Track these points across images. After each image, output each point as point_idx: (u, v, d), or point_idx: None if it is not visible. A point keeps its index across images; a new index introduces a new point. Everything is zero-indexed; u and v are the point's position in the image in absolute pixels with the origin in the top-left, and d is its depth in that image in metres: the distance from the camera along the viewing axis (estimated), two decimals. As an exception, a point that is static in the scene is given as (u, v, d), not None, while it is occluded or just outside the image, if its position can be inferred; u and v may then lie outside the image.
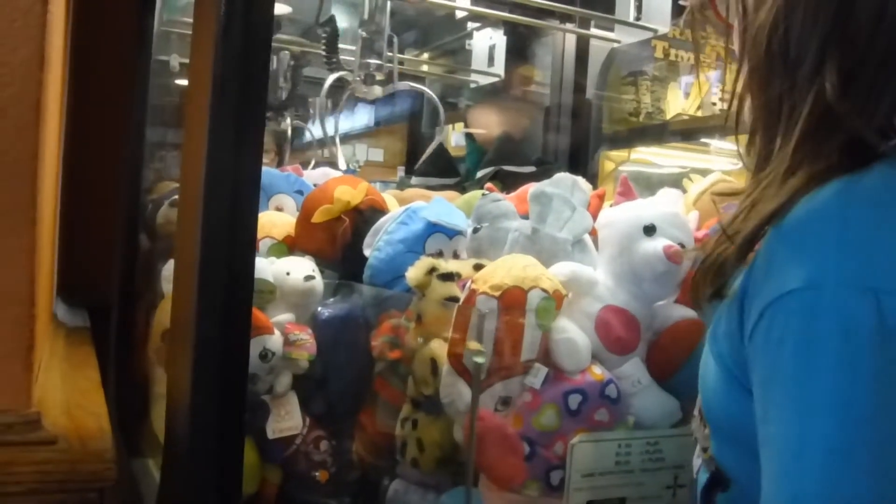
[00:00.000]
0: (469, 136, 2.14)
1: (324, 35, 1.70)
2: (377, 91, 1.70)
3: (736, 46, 0.73)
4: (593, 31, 2.04)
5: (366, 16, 1.68)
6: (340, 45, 1.71)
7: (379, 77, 1.69)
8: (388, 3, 1.66)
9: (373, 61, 1.69)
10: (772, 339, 0.58)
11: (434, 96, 1.78)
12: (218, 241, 0.86)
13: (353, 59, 1.73)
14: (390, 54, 1.70)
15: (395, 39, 1.69)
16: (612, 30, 2.00)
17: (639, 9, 1.90)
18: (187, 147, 0.97)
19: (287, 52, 1.99)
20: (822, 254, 0.57)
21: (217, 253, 0.86)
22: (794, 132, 0.64)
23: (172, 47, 1.97)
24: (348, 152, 2.63)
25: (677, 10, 1.88)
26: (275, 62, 1.98)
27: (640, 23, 1.88)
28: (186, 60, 1.96)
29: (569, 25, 2.03)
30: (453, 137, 2.94)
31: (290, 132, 2.17)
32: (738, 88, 0.71)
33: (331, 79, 1.70)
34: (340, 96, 1.75)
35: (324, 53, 1.71)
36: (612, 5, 1.97)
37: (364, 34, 1.69)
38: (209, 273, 0.86)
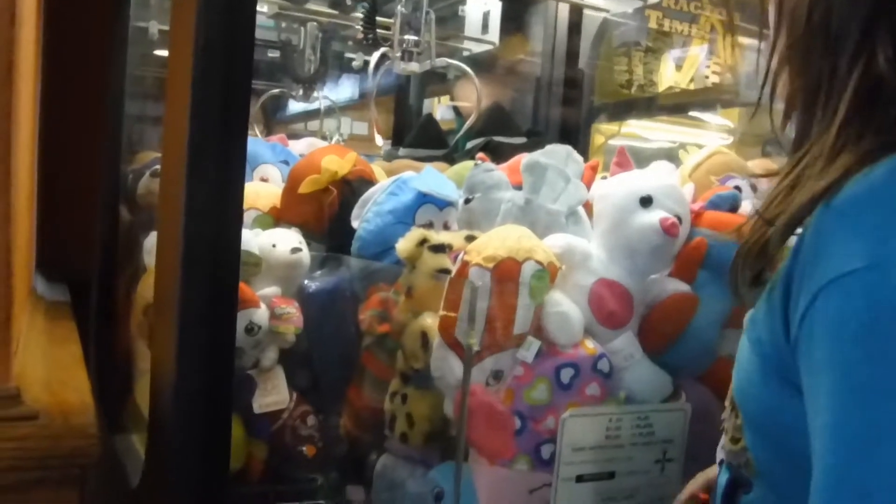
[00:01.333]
0: (456, 110, 2.11)
1: (361, 10, 1.68)
2: (414, 67, 1.70)
3: (771, 20, 0.69)
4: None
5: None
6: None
7: (417, 52, 1.67)
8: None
9: (411, 37, 1.67)
10: (830, 323, 0.54)
11: (471, 72, 1.77)
12: (203, 213, 0.84)
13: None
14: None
15: (433, 16, 1.68)
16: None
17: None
18: (170, 115, 0.94)
19: (315, 23, 1.97)
20: (885, 232, 0.54)
21: (202, 225, 0.83)
22: (840, 109, 0.61)
23: (151, 14, 1.92)
24: (333, 125, 2.60)
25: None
26: (302, 34, 1.96)
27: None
28: (166, 27, 1.92)
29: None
30: (439, 110, 2.90)
31: (322, 107, 2.16)
32: (773, 65, 0.67)
33: (375, 55, 1.70)
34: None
35: (361, 29, 1.68)
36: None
37: (403, 10, 1.67)
38: (194, 246, 0.84)
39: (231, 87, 0.85)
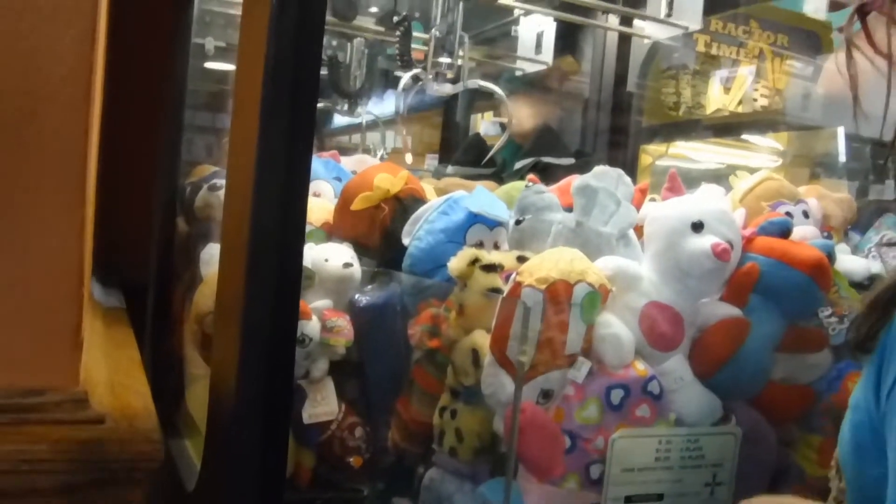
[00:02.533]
0: (502, 125, 2.13)
1: (398, 33, 1.72)
2: (447, 88, 1.73)
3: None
4: (618, 26, 2.03)
5: (438, 16, 1.71)
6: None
7: (449, 75, 1.71)
8: (461, 4, 1.69)
9: (444, 60, 1.71)
10: None
11: (502, 94, 1.81)
12: (268, 227, 0.86)
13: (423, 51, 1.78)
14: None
15: (466, 39, 1.71)
16: (643, 26, 1.99)
17: (670, 5, 1.89)
18: (236, 132, 0.97)
19: (362, 38, 2.02)
20: None
21: (267, 239, 0.86)
22: None
23: (207, 30, 1.97)
24: (377, 139, 2.64)
25: (709, 7, 1.86)
26: (349, 49, 2.01)
27: (670, 20, 1.88)
28: (222, 43, 1.97)
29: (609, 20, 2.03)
30: (483, 125, 2.93)
31: (364, 121, 2.20)
32: None
33: (406, 76, 1.73)
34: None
35: (397, 51, 1.73)
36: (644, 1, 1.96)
37: (437, 34, 1.71)
38: (259, 259, 0.86)
39: (298, 106, 0.88)
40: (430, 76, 1.74)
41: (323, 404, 1.23)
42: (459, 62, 1.78)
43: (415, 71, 1.74)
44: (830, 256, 1.13)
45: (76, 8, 0.88)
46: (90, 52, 0.89)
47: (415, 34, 1.84)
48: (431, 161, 2.85)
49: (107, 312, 1.48)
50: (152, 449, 0.86)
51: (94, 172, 1.11)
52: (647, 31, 1.95)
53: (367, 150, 2.46)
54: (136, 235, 1.71)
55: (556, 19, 2.03)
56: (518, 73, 2.12)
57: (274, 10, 0.87)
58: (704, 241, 1.06)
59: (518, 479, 1.03)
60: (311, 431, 1.22)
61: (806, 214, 1.28)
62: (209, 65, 1.97)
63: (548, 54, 2.07)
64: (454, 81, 1.75)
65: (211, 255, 1.34)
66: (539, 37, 2.07)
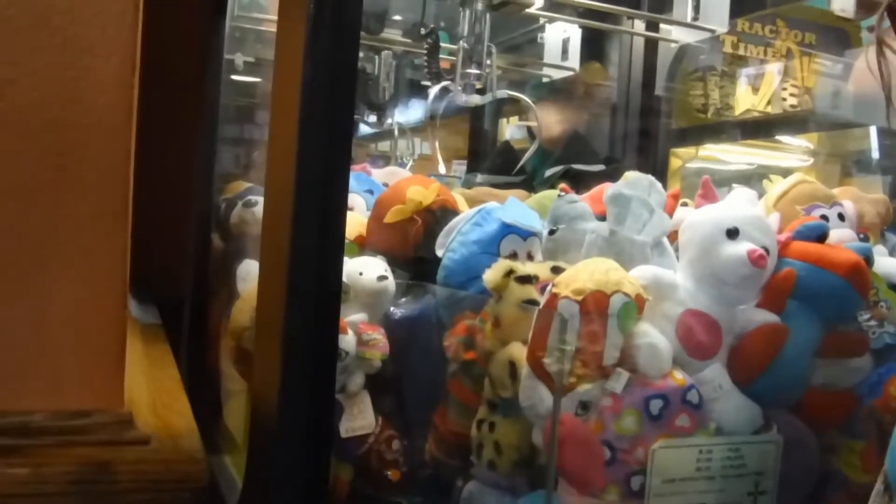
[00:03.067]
0: (529, 131, 2.14)
1: (426, 46, 1.74)
2: (476, 99, 1.75)
3: None
4: (644, 31, 2.02)
5: (466, 28, 1.73)
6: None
7: (478, 86, 1.72)
8: (488, 15, 1.70)
9: (472, 71, 1.72)
10: None
11: (531, 103, 1.81)
12: (308, 242, 0.87)
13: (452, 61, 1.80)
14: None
15: (494, 49, 1.73)
16: (669, 30, 1.98)
17: (696, 9, 1.88)
18: (273, 148, 0.98)
19: (390, 51, 2.04)
20: None
21: (307, 254, 0.87)
22: None
23: (238, 46, 1.99)
24: (402, 146, 2.65)
25: (736, 10, 1.85)
26: (377, 62, 2.03)
27: (697, 23, 1.87)
28: (251, 59, 1.99)
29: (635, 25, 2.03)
30: (509, 130, 2.93)
31: (396, 131, 2.22)
32: None
33: (435, 88, 1.74)
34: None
35: (425, 63, 1.75)
36: (669, 4, 1.95)
37: (465, 45, 1.73)
38: (299, 274, 0.87)
39: (336, 122, 0.88)
40: (459, 87, 1.75)
41: (360, 418, 1.24)
42: (487, 70, 1.79)
43: (444, 83, 1.76)
44: (868, 259, 1.12)
45: (116, 38, 0.90)
46: (130, 80, 0.91)
47: (442, 45, 1.85)
48: (459, 167, 2.86)
49: (144, 329, 1.50)
50: (197, 469, 0.87)
51: (132, 193, 1.13)
52: (674, 34, 1.94)
53: (390, 158, 2.47)
54: (172, 252, 1.73)
55: (580, 26, 2.03)
56: (545, 80, 2.12)
57: (309, 27, 0.87)
58: (740, 248, 1.05)
59: (558, 492, 1.03)
60: (348, 445, 1.22)
61: (842, 217, 1.26)
62: (239, 79, 1.99)
63: (574, 60, 2.07)
64: (483, 91, 1.76)
65: (247, 271, 1.36)
66: (565, 43, 2.07)
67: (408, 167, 2.18)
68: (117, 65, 0.89)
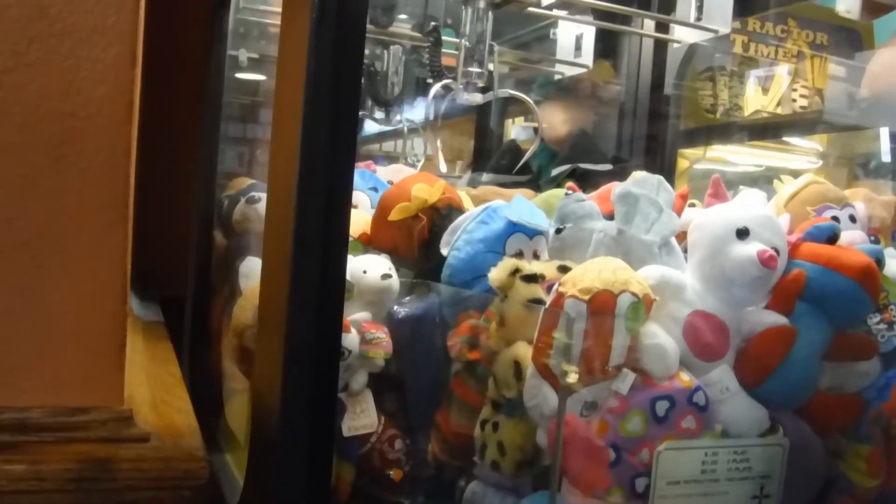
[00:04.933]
0: (535, 130, 2.12)
1: (427, 44, 1.73)
2: (478, 98, 1.74)
3: None
4: (649, 31, 2.01)
5: (468, 26, 1.72)
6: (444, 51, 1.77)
7: (480, 84, 1.72)
8: (490, 14, 1.69)
9: (474, 70, 1.72)
10: None
11: (532, 102, 1.80)
12: (311, 240, 0.86)
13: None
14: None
15: (496, 48, 1.72)
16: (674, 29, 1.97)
17: (700, 9, 1.87)
18: (277, 144, 0.97)
19: (399, 46, 2.03)
20: None
21: (311, 253, 0.86)
22: None
23: (241, 42, 1.98)
24: (409, 145, 2.63)
25: (739, 10, 1.84)
26: (386, 57, 2.02)
27: (700, 23, 1.86)
28: (255, 55, 1.98)
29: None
30: (514, 130, 2.91)
31: (405, 128, 2.20)
32: None
33: (436, 87, 1.74)
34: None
35: (427, 61, 1.74)
36: (673, 4, 1.94)
37: (467, 44, 1.72)
38: (302, 272, 0.86)
39: (340, 118, 0.87)
40: (461, 86, 1.74)
41: (362, 417, 1.23)
42: (490, 67, 1.78)
43: (445, 81, 1.75)
44: (879, 262, 1.10)
45: (116, 28, 0.89)
46: (130, 71, 0.90)
47: (448, 40, 1.83)
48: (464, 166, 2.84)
49: (146, 326, 1.49)
50: (197, 467, 0.86)
51: (133, 188, 1.12)
52: (678, 34, 1.92)
53: (398, 158, 2.46)
54: (174, 248, 1.72)
55: (584, 24, 2.01)
56: (557, 77, 2.10)
57: (313, 22, 0.86)
58: (750, 249, 1.03)
59: (562, 492, 1.01)
60: (350, 444, 1.21)
61: (853, 218, 1.25)
62: (242, 75, 1.98)
63: (588, 56, 2.04)
64: (485, 90, 1.75)
65: (250, 268, 1.34)
66: (578, 39, 2.05)
67: (418, 168, 2.16)
68: (117, 55, 0.88)
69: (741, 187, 1.36)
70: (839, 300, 1.07)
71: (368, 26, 2.03)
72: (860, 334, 1.12)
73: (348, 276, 1.22)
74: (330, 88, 0.86)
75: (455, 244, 1.23)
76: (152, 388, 1.10)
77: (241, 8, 1.90)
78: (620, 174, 1.31)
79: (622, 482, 0.99)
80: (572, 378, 0.97)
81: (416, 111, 2.70)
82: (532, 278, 1.08)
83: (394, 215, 1.30)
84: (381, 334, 1.22)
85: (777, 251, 1.05)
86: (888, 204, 1.36)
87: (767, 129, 2.13)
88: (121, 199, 0.89)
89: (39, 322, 0.85)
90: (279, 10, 1.00)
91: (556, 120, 1.81)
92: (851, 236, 1.19)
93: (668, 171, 2.07)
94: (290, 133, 0.89)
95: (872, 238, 1.27)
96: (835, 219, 1.20)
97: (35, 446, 0.84)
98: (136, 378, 1.10)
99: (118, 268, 0.90)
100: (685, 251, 1.14)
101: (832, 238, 1.12)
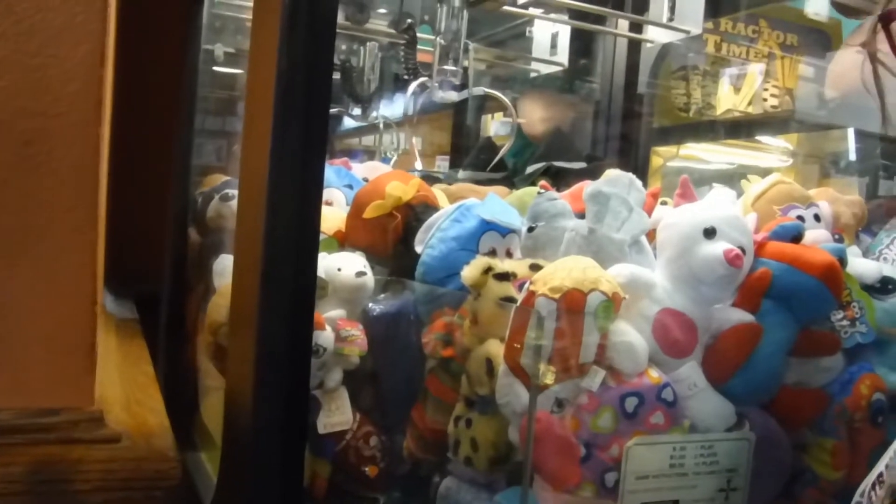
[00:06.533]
0: (519, 131, 2.13)
1: (402, 41, 1.73)
2: (453, 96, 1.74)
3: None
4: (622, 31, 2.03)
5: (443, 24, 1.73)
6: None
7: (455, 82, 1.72)
8: (465, 13, 1.69)
9: (449, 67, 1.72)
10: None
11: (507, 101, 1.81)
12: (282, 237, 0.86)
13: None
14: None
15: (471, 46, 1.73)
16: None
17: (672, 10, 1.89)
18: (248, 142, 0.97)
19: (376, 42, 2.03)
20: None
21: (281, 249, 0.86)
22: None
23: (217, 37, 1.97)
24: (387, 140, 2.63)
25: (711, 11, 1.86)
26: (362, 53, 2.02)
27: (672, 24, 1.88)
28: (231, 50, 1.97)
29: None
30: (493, 126, 2.92)
31: (381, 125, 2.20)
32: None
33: (413, 85, 1.74)
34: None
35: (402, 58, 1.75)
36: (646, 5, 1.96)
37: (442, 42, 1.72)
38: (273, 269, 0.86)
39: (311, 115, 0.87)
40: (436, 84, 1.75)
41: (337, 414, 1.24)
42: (466, 64, 1.79)
43: (422, 79, 1.75)
44: (842, 260, 1.12)
45: (84, 27, 0.88)
46: (100, 69, 0.90)
47: (424, 37, 1.84)
48: (442, 163, 2.85)
49: (119, 325, 1.48)
50: (169, 468, 0.86)
51: (105, 186, 1.11)
52: (651, 34, 1.94)
53: (374, 153, 2.46)
54: (149, 246, 1.72)
55: (575, 16, 2.02)
56: (533, 75, 2.11)
57: (284, 18, 0.86)
58: (717, 248, 1.05)
59: (534, 488, 1.03)
60: (326, 441, 1.22)
61: (817, 218, 1.27)
62: (218, 70, 1.97)
63: (563, 55, 2.06)
64: (461, 88, 1.76)
65: (224, 266, 1.34)
66: (554, 37, 2.06)
67: (391, 162, 2.16)
68: (86, 53, 0.88)
69: (714, 185, 1.38)
70: (803, 298, 1.09)
71: (344, 23, 2.04)
72: (824, 331, 1.14)
73: (323, 274, 1.23)
74: (301, 86, 0.86)
75: (429, 242, 1.24)
76: (125, 388, 1.09)
77: (216, 2, 1.89)
78: (594, 172, 1.32)
79: (592, 477, 1.00)
80: (549, 379, 0.98)
81: (393, 107, 2.71)
82: (504, 276, 1.09)
83: (368, 213, 1.31)
84: (356, 332, 1.23)
85: (743, 250, 1.06)
86: (852, 203, 1.38)
87: (740, 128, 2.16)
88: (91, 198, 0.89)
89: (7, 323, 0.85)
90: (252, 4, 1.00)
91: (533, 118, 1.82)
92: (816, 235, 1.21)
93: (641, 168, 2.09)
94: (260, 130, 0.89)
95: (836, 237, 1.30)
96: (800, 218, 1.22)
97: (3, 448, 0.83)
98: (108, 377, 1.09)
99: (89, 268, 0.89)
100: (656, 250, 1.16)
101: (797, 237, 1.14)
